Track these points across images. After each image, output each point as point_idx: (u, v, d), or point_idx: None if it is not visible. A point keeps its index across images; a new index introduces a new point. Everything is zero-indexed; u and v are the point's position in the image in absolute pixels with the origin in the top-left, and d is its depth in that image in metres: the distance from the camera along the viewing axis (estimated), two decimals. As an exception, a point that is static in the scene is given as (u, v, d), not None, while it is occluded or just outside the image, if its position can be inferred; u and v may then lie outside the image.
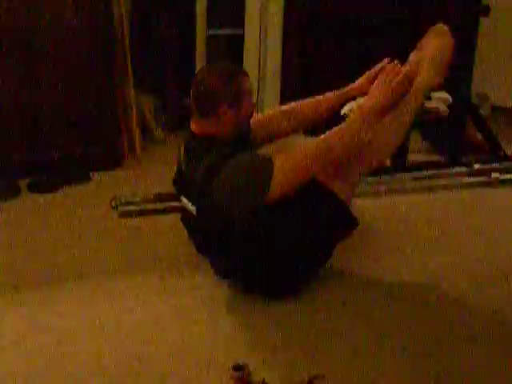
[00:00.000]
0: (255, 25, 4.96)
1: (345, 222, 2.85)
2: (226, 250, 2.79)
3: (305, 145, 2.68)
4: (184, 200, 2.86)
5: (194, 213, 2.78)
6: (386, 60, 3.11)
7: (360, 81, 3.21)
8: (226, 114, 2.75)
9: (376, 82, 2.94)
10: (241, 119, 2.80)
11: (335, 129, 2.72)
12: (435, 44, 3.18)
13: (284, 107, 3.27)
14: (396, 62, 3.00)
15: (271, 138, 3.20)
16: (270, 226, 2.71)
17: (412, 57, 3.20)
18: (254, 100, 2.92)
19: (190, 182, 2.75)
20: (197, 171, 2.68)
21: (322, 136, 2.70)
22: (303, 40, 4.92)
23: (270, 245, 2.74)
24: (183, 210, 2.93)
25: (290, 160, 2.62)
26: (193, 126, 2.84)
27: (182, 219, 3.00)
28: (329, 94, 3.22)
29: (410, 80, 2.91)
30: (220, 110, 2.74)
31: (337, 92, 3.22)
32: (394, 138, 2.99)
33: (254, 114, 3.01)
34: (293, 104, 3.24)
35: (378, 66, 3.14)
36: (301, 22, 4.91)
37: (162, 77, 4.93)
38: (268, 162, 2.59)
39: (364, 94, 3.07)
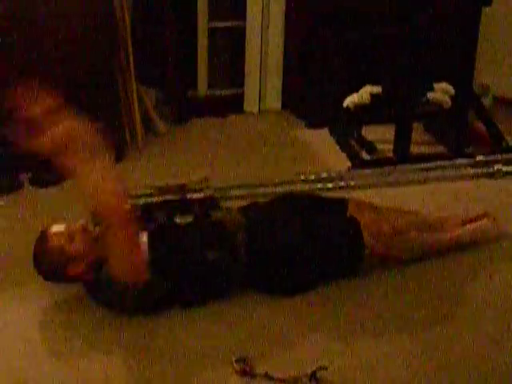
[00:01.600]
0: (257, 17, 4.95)
1: (351, 263, 2.98)
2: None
3: None
4: None
5: None
6: None
7: None
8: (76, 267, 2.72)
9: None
10: (86, 251, 2.75)
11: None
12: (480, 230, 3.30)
13: None
14: None
15: None
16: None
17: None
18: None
19: None
20: None
21: None
22: (305, 32, 4.91)
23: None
24: None
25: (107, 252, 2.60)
26: None
27: None
28: None
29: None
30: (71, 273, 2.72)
31: None
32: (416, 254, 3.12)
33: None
34: None
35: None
36: (303, 13, 4.90)
37: (164, 69, 4.92)
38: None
39: None
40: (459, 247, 3.19)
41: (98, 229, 2.78)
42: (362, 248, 2.92)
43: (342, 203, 3.17)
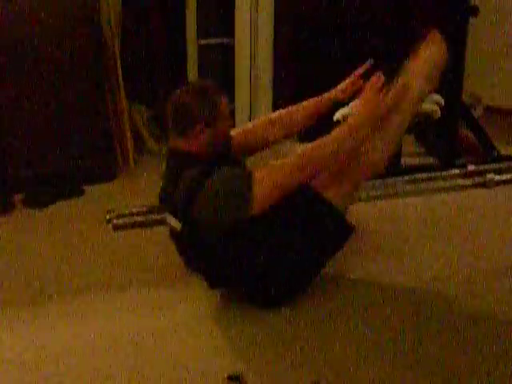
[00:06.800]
0: (245, 33, 4.96)
1: (340, 230, 2.86)
2: (216, 262, 2.80)
3: (287, 158, 2.71)
4: (168, 216, 2.86)
5: (179, 229, 2.78)
6: (367, 63, 3.14)
7: (342, 85, 3.22)
8: (203, 134, 2.78)
9: (364, 94, 2.93)
10: (217, 138, 2.82)
11: (319, 141, 2.75)
12: (428, 52, 3.13)
13: (270, 115, 3.27)
14: (379, 74, 2.99)
15: (259, 147, 3.22)
16: (263, 235, 2.72)
17: (406, 66, 3.16)
18: (232, 117, 3.02)
19: (173, 199, 2.77)
20: (178, 188, 2.71)
21: (305, 147, 2.74)
22: (294, 46, 4.93)
23: (264, 254, 2.73)
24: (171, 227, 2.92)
25: (271, 174, 2.66)
26: (171, 143, 2.88)
27: (171, 235, 2.98)
28: (313, 100, 3.22)
29: (400, 95, 2.94)
30: (196, 130, 2.77)
31: (321, 97, 3.21)
32: (388, 147, 2.98)
33: (239, 127, 3.12)
34: (279, 112, 3.23)
35: (360, 70, 3.16)
36: (291, 29, 4.92)
37: (154, 88, 4.93)
38: (248, 177, 2.64)
39: (347, 97, 3.19)
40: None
41: None
42: (332, 209, 2.81)
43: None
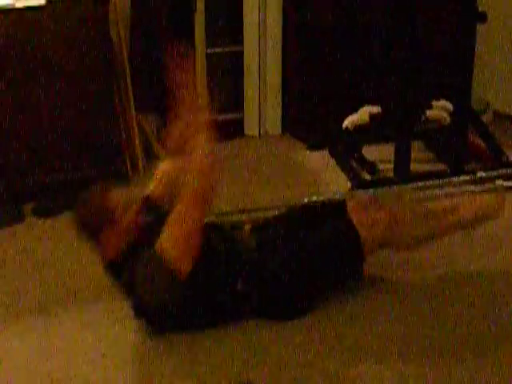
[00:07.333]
0: (254, 41, 4.97)
1: (351, 267, 2.96)
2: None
3: (177, 207, 2.64)
4: None
5: None
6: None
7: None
8: (113, 237, 2.74)
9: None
10: (129, 228, 2.76)
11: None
12: (489, 201, 3.26)
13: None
14: None
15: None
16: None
17: (464, 201, 3.26)
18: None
19: None
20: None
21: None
22: (303, 54, 4.93)
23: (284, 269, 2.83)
24: None
25: (172, 232, 2.59)
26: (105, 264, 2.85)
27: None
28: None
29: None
30: (104, 241, 2.74)
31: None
32: (419, 239, 3.08)
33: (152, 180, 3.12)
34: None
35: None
36: (300, 35, 4.92)
37: (163, 95, 4.93)
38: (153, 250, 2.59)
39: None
40: (462, 227, 3.18)
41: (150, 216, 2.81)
42: (359, 250, 2.89)
43: (341, 204, 3.11)
